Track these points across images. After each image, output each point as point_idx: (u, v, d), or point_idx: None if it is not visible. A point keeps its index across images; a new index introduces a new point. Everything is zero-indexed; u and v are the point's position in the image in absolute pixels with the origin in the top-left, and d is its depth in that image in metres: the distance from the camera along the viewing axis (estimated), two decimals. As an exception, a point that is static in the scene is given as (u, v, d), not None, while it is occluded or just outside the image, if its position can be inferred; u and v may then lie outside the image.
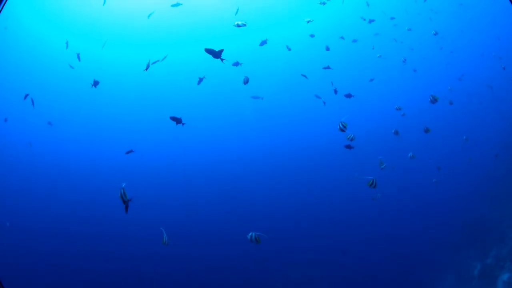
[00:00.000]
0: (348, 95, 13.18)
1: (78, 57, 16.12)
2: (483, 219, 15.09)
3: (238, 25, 7.77)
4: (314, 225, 18.45)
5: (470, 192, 17.37)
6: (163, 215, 18.42)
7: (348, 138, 8.50)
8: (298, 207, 19.87)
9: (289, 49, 14.88)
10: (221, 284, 15.79)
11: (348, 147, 11.05)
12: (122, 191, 5.40)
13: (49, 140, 24.52)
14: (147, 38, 25.40)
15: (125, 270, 15.82)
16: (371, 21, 17.23)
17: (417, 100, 22.04)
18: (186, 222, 18.17)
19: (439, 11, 25.31)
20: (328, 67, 14.34)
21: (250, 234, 6.28)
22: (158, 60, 13.41)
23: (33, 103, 15.62)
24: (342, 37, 19.05)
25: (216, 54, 6.43)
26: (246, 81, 10.31)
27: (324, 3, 14.32)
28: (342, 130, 7.75)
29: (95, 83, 12.75)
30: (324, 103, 14.51)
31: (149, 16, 19.13)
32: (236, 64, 13.38)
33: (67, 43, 17.99)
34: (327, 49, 15.91)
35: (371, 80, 22.61)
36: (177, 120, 8.23)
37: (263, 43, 14.34)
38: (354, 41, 19.52)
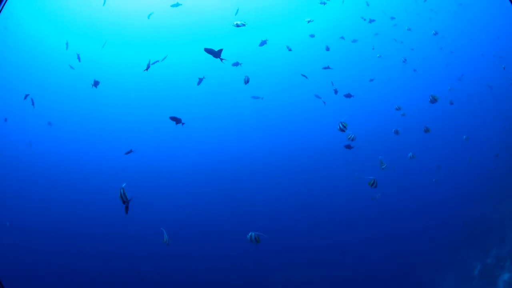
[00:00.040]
0: (348, 95, 13.18)
1: (78, 58, 16.14)
2: (483, 219, 15.08)
3: (237, 25, 7.78)
4: (314, 225, 18.44)
5: (470, 192, 17.36)
6: (163, 215, 18.42)
7: (349, 138, 8.51)
8: (298, 207, 19.86)
9: (290, 50, 14.87)
10: (221, 284, 15.79)
11: (348, 147, 11.06)
12: (121, 191, 5.41)
13: (49, 140, 24.52)
14: (147, 38, 25.41)
15: (125, 270, 15.82)
16: (371, 21, 17.23)
17: (417, 100, 22.04)
18: (186, 222, 18.16)
19: (439, 11, 25.32)
20: (327, 67, 14.34)
21: (249, 234, 6.30)
22: (158, 61, 13.42)
23: (33, 103, 15.62)
24: (342, 37, 19.05)
25: (216, 53, 6.44)
26: (246, 81, 10.32)
27: (324, 3, 14.31)
28: (342, 130, 7.76)
29: (96, 83, 12.77)
30: (324, 102, 14.52)
31: (149, 16, 19.13)
32: (236, 64, 13.38)
33: (67, 44, 17.99)
34: (327, 49, 15.91)
35: (371, 80, 22.61)
36: (177, 120, 8.24)
37: (263, 43, 14.34)
38: (354, 41, 19.53)
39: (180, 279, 15.98)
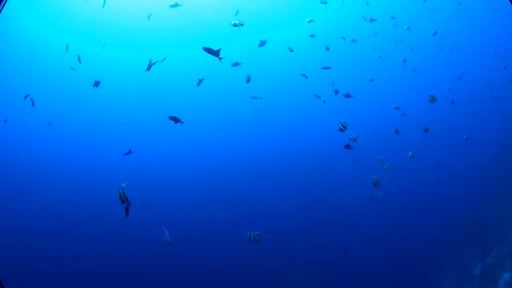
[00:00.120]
0: (347, 95, 13.18)
1: (79, 60, 16.15)
2: (483, 219, 15.07)
3: (235, 25, 7.78)
4: (314, 225, 18.44)
5: (470, 192, 17.35)
6: (163, 216, 18.42)
7: (351, 139, 8.53)
8: (298, 207, 19.86)
9: (292, 51, 14.84)
10: (221, 285, 15.80)
11: (348, 147, 11.05)
12: (121, 191, 5.40)
13: (49, 140, 24.53)
14: (146, 39, 25.42)
15: (125, 270, 15.83)
16: (372, 20, 17.23)
17: (417, 100, 22.03)
18: (186, 223, 18.16)
19: (438, 11, 25.30)
20: (327, 67, 14.33)
21: (249, 234, 6.30)
22: (157, 61, 13.42)
23: (33, 104, 15.63)
24: (343, 37, 19.05)
25: (215, 53, 6.45)
26: (248, 80, 10.33)
27: (325, 2, 14.32)
28: (342, 131, 7.76)
29: (96, 83, 12.84)
30: (324, 101, 14.51)
31: (148, 17, 19.14)
32: (236, 64, 13.39)
33: (67, 45, 17.97)
34: (327, 49, 15.92)
35: (371, 80, 22.60)
36: (176, 120, 8.25)
37: (262, 44, 14.34)
38: (354, 41, 19.53)
39: (180, 279, 15.98)
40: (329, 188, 21.11)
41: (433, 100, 8.37)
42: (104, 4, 18.80)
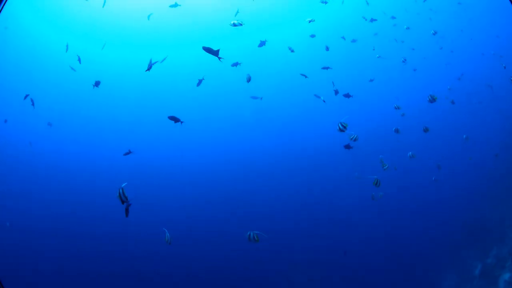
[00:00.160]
0: (347, 95, 13.18)
1: (79, 60, 16.16)
2: (483, 219, 15.06)
3: (235, 24, 7.79)
4: (314, 225, 18.44)
5: (470, 192, 17.34)
6: (163, 216, 18.42)
7: (352, 139, 8.55)
8: (298, 208, 19.85)
9: (292, 51, 14.83)
10: (221, 285, 15.79)
11: (347, 147, 11.05)
12: (120, 190, 5.39)
13: (49, 141, 24.54)
14: (146, 39, 25.43)
15: (125, 270, 15.83)
16: (373, 20, 17.23)
17: (417, 100, 22.03)
18: (186, 223, 18.17)
19: (438, 11, 25.30)
20: (326, 67, 14.33)
21: (248, 233, 6.30)
22: (157, 61, 13.43)
23: (33, 104, 15.64)
24: (343, 37, 19.06)
25: (214, 52, 6.47)
26: (248, 79, 10.33)
27: (325, 2, 14.32)
28: (342, 131, 7.77)
29: (97, 83, 12.91)
30: (324, 101, 14.50)
31: (148, 17, 19.15)
32: (235, 64, 13.38)
33: (67, 46, 17.97)
34: (327, 49, 15.92)
35: (371, 80, 22.61)
36: (175, 119, 8.25)
37: (262, 44, 14.33)
38: (354, 41, 19.53)
39: (180, 279, 15.99)
40: (329, 188, 21.11)
41: (432, 100, 8.38)
42: (104, 4, 18.81)
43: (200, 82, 14.47)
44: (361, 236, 17.53)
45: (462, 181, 18.48)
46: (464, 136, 18.18)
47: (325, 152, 23.26)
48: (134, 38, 25.35)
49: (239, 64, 13.30)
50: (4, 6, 3.88)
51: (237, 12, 16.66)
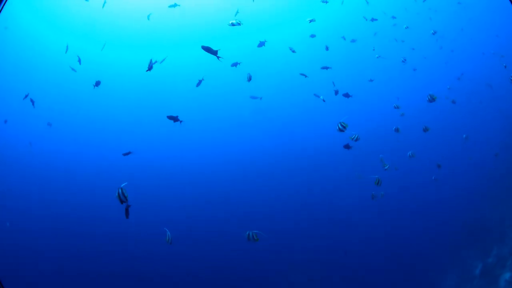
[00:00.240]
0: (346, 95, 13.18)
1: (79, 61, 16.19)
2: (483, 219, 15.04)
3: (233, 24, 7.81)
4: (314, 225, 18.43)
5: (470, 192, 17.32)
6: (163, 216, 18.43)
7: (352, 139, 8.58)
8: (298, 207, 19.85)
9: (294, 51, 14.81)
10: (221, 285, 15.80)
11: (347, 147, 11.04)
12: (119, 190, 5.38)
13: (49, 141, 24.57)
14: (146, 39, 25.47)
15: (125, 270, 15.84)
16: (373, 19, 17.24)
17: (417, 100, 22.01)
18: (186, 223, 18.17)
19: (438, 10, 25.29)
20: (326, 67, 14.33)
21: (247, 233, 6.30)
22: (156, 61, 13.45)
23: (33, 104, 15.66)
24: (343, 37, 19.06)
25: (213, 51, 6.48)
26: (249, 78, 10.33)
27: (326, 2, 14.32)
28: (342, 131, 7.79)
29: (97, 83, 12.99)
30: (324, 100, 14.50)
31: (148, 17, 19.17)
32: (235, 64, 13.38)
33: (67, 46, 17.99)
34: (327, 49, 15.92)
35: (371, 80, 22.60)
36: (174, 119, 8.25)
37: (261, 44, 14.31)
38: (353, 41, 19.53)
39: (180, 279, 15.99)
40: (329, 188, 21.10)
41: (432, 99, 8.38)
42: (104, 5, 18.84)
43: (199, 82, 14.48)
44: (361, 236, 17.52)
45: (462, 181, 18.46)
46: (464, 135, 18.18)
47: (325, 152, 23.25)
48: (134, 38, 25.39)
49: (239, 64, 13.30)
50: (4, 6, 3.89)
51: (237, 12, 16.66)
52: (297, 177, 22.22)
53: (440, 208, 17.37)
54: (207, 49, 6.43)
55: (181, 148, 26.17)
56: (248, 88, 19.66)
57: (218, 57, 6.61)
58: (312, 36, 17.71)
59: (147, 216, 17.30)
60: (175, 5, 16.01)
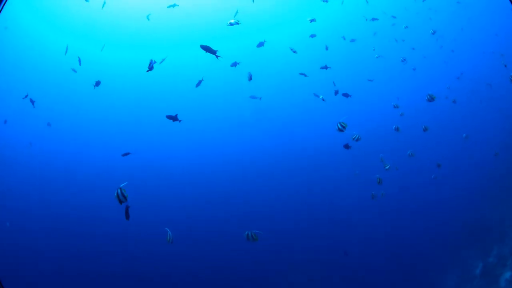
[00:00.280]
0: (346, 95, 13.18)
1: (79, 62, 16.22)
2: (484, 219, 15.03)
3: (231, 24, 7.83)
4: (314, 225, 18.43)
5: (470, 192, 17.31)
6: (163, 216, 18.43)
7: (354, 139, 8.61)
8: (298, 207, 19.85)
9: (295, 52, 14.80)
10: (221, 285, 15.80)
11: (347, 146, 11.05)
12: (118, 191, 5.36)
13: (48, 141, 24.59)
14: (145, 39, 25.49)
15: (125, 270, 15.85)
16: (374, 19, 17.25)
17: (416, 99, 22.00)
18: (186, 223, 18.17)
19: (438, 10, 25.29)
20: (325, 67, 14.32)
21: (246, 233, 6.31)
22: (156, 62, 13.46)
23: (33, 104, 15.67)
24: (343, 37, 19.07)
25: (212, 50, 6.51)
26: (250, 78, 10.35)
27: (326, 1, 14.32)
28: (341, 130, 7.80)
29: (97, 83, 13.05)
30: (323, 99, 14.50)
31: (148, 17, 19.18)
32: (234, 64, 13.39)
33: (66, 47, 18.01)
34: (326, 48, 15.92)
35: (371, 80, 22.61)
36: (173, 118, 8.26)
37: (261, 44, 14.32)
38: (353, 40, 19.53)
39: (180, 279, 15.99)
40: (329, 188, 21.10)
41: (431, 99, 8.39)
42: (103, 5, 18.86)
43: (199, 82, 14.50)
44: (361, 236, 17.52)
45: (462, 181, 18.44)
46: (464, 135, 18.17)
47: (325, 152, 23.25)
48: (133, 38, 25.41)
49: (238, 64, 13.31)
50: (4, 6, 3.89)
51: (236, 12, 16.67)
52: (297, 177, 22.22)
53: (440, 208, 17.36)
54: (206, 48, 6.45)
55: (181, 148, 26.18)
56: (248, 88, 19.66)
57: (217, 56, 6.63)
58: (312, 36, 17.71)
59: (147, 216, 17.30)
60: (174, 5, 16.04)
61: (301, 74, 14.79)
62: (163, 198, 21.08)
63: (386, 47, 23.13)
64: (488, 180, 17.19)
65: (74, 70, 18.33)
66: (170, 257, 15.89)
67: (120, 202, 5.43)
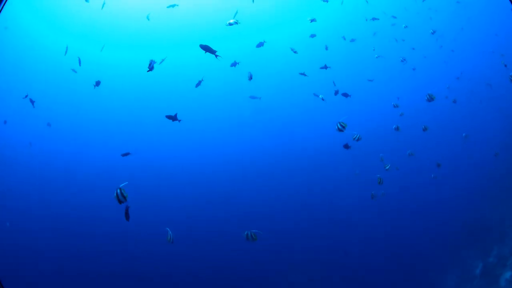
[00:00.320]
0: (345, 94, 13.19)
1: (79, 62, 16.23)
2: (484, 219, 15.03)
3: (230, 24, 7.84)
4: (314, 225, 18.43)
5: (470, 192, 17.30)
6: (163, 216, 18.44)
7: (354, 138, 8.63)
8: (298, 207, 19.86)
9: (296, 52, 14.80)
10: (221, 285, 15.80)
11: (346, 146, 11.04)
12: (118, 191, 5.35)
13: (48, 141, 24.61)
14: (145, 40, 25.50)
15: (125, 270, 15.85)
16: (374, 19, 17.25)
17: (416, 99, 22.00)
18: (186, 223, 18.18)
19: (438, 10, 25.28)
20: (325, 67, 14.33)
21: (246, 233, 6.31)
22: (155, 62, 13.45)
23: (32, 104, 15.67)
24: (343, 37, 19.06)
25: (211, 50, 6.53)
26: (250, 77, 10.36)
27: (326, 1, 14.32)
28: (341, 130, 7.81)
29: (97, 83, 13.07)
30: (323, 99, 14.52)
31: (148, 17, 19.19)
32: (234, 64, 13.41)
33: (66, 48, 18.01)
34: (326, 48, 15.92)
35: (371, 80, 22.61)
36: (173, 118, 8.27)
37: (260, 45, 14.33)
38: (352, 40, 19.54)
39: (180, 279, 16.00)
40: (329, 188, 21.11)
41: (430, 99, 8.39)
42: (103, 6, 18.88)
43: (199, 83, 14.51)
44: (361, 236, 17.51)
45: (462, 181, 18.44)
46: (464, 134, 18.16)
47: (325, 152, 23.25)
48: (133, 39, 25.42)
49: (238, 63, 13.33)
50: (4, 6, 3.90)
51: (236, 12, 16.67)
52: (297, 177, 22.22)
53: (440, 208, 17.36)
54: (206, 48, 6.46)
55: (181, 148, 26.19)
56: (248, 88, 19.67)
57: (216, 56, 6.64)
58: (312, 36, 17.71)
59: (147, 216, 17.32)
60: (174, 6, 16.05)
61: (301, 74, 14.79)
62: (163, 198, 21.08)
63: (386, 47, 23.12)
64: (488, 180, 17.19)
65: (74, 71, 18.33)
66: (170, 257, 15.90)
67: (120, 202, 5.42)
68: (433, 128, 13.49)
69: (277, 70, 27.74)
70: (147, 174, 22.82)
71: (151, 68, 8.72)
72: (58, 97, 25.04)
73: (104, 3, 18.74)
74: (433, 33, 16.05)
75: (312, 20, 11.84)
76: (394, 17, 20.63)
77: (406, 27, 17.73)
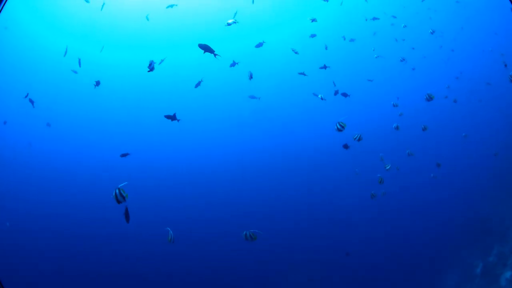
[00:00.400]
0: (344, 94, 13.18)
1: (79, 63, 16.24)
2: (484, 218, 15.03)
3: (229, 24, 7.86)
4: (314, 225, 18.43)
5: (470, 191, 17.30)
6: (163, 216, 18.44)
7: (355, 139, 8.63)
8: (298, 207, 19.85)
9: (296, 53, 14.77)
10: (221, 285, 15.80)
11: (346, 146, 11.04)
12: (117, 191, 5.33)
13: (48, 141, 24.62)
14: (145, 40, 25.52)
15: (125, 270, 15.86)
16: (374, 19, 17.26)
17: (416, 99, 22.00)
18: (186, 223, 18.18)
19: (437, 10, 25.29)
20: (324, 67, 14.33)
21: (244, 233, 6.30)
22: (155, 62, 13.46)
23: (32, 104, 15.68)
24: (343, 37, 19.07)
25: (210, 49, 6.53)
26: (250, 76, 10.36)
27: (326, 0, 14.32)
28: (340, 130, 7.80)
29: (97, 83, 13.10)
30: (322, 98, 14.51)
31: (147, 17, 19.21)
32: (233, 64, 13.42)
33: (66, 49, 18.00)
34: (326, 48, 15.92)
35: (371, 80, 22.60)
36: (172, 117, 8.26)
37: (259, 45, 14.33)
38: (352, 40, 19.54)
39: (181, 279, 16.00)
40: (329, 188, 21.10)
41: (430, 99, 8.39)
42: (102, 7, 18.89)
43: (199, 83, 14.51)
44: (361, 236, 17.51)
45: (462, 180, 18.44)
46: (464, 134, 18.16)
47: (325, 152, 23.25)
48: (133, 39, 25.44)
49: (237, 63, 13.34)
50: (4, 6, 3.89)
51: (236, 13, 16.68)
52: (297, 177, 22.22)
53: (440, 207, 17.36)
54: (204, 47, 6.47)
55: (181, 148, 26.19)
56: (247, 88, 19.67)
57: (215, 55, 6.64)
58: (312, 36, 17.71)
59: (147, 216, 17.31)
60: (173, 6, 16.07)
61: (300, 73, 14.79)
62: (163, 198, 21.08)
63: (386, 47, 23.12)
64: (488, 180, 17.19)
65: (75, 72, 18.34)
66: (170, 257, 15.90)
67: (118, 202, 5.39)
68: (433, 128, 13.49)
69: (276, 70, 27.74)
70: (147, 174, 22.83)
71: (151, 68, 8.71)
72: (58, 97, 25.05)
73: (103, 4, 18.75)
74: (433, 33, 16.05)
75: (313, 20, 11.84)
76: (394, 17, 20.62)
77: (405, 27, 17.73)
